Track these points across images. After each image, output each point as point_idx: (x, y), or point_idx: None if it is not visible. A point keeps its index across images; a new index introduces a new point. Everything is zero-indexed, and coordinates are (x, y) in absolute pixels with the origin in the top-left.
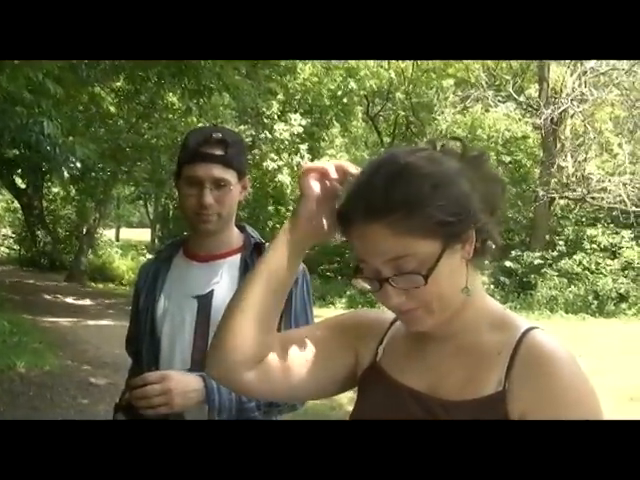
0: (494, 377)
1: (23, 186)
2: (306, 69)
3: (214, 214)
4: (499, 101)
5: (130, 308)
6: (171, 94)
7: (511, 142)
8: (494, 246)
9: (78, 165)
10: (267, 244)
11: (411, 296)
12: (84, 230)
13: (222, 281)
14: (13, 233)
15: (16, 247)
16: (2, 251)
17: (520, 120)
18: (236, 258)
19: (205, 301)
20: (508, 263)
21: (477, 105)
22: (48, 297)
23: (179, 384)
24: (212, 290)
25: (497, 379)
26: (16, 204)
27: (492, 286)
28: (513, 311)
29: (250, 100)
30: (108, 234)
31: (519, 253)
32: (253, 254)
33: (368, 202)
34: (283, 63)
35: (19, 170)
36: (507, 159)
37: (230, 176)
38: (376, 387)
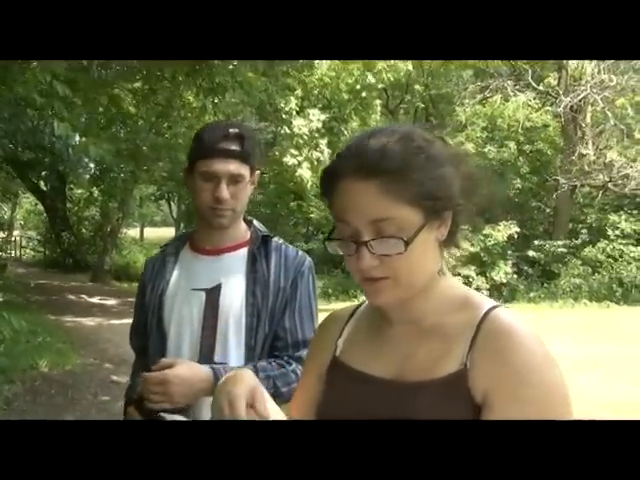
0: (457, 356)
1: (45, 188)
2: (323, 64)
3: (229, 209)
4: (518, 90)
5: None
6: (189, 92)
7: (532, 131)
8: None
9: (92, 165)
10: (275, 238)
11: (383, 263)
12: (108, 230)
13: (229, 274)
14: (38, 235)
15: (41, 249)
16: (28, 253)
17: (540, 109)
18: (243, 251)
19: (213, 294)
20: (531, 252)
21: (496, 95)
22: (72, 297)
23: (180, 386)
24: (220, 284)
25: (460, 357)
26: (40, 207)
27: (515, 276)
28: (537, 300)
29: (267, 97)
30: (132, 233)
31: (542, 242)
32: (261, 247)
33: (362, 160)
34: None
35: (39, 173)
36: (528, 148)
37: (245, 171)
38: (339, 381)
